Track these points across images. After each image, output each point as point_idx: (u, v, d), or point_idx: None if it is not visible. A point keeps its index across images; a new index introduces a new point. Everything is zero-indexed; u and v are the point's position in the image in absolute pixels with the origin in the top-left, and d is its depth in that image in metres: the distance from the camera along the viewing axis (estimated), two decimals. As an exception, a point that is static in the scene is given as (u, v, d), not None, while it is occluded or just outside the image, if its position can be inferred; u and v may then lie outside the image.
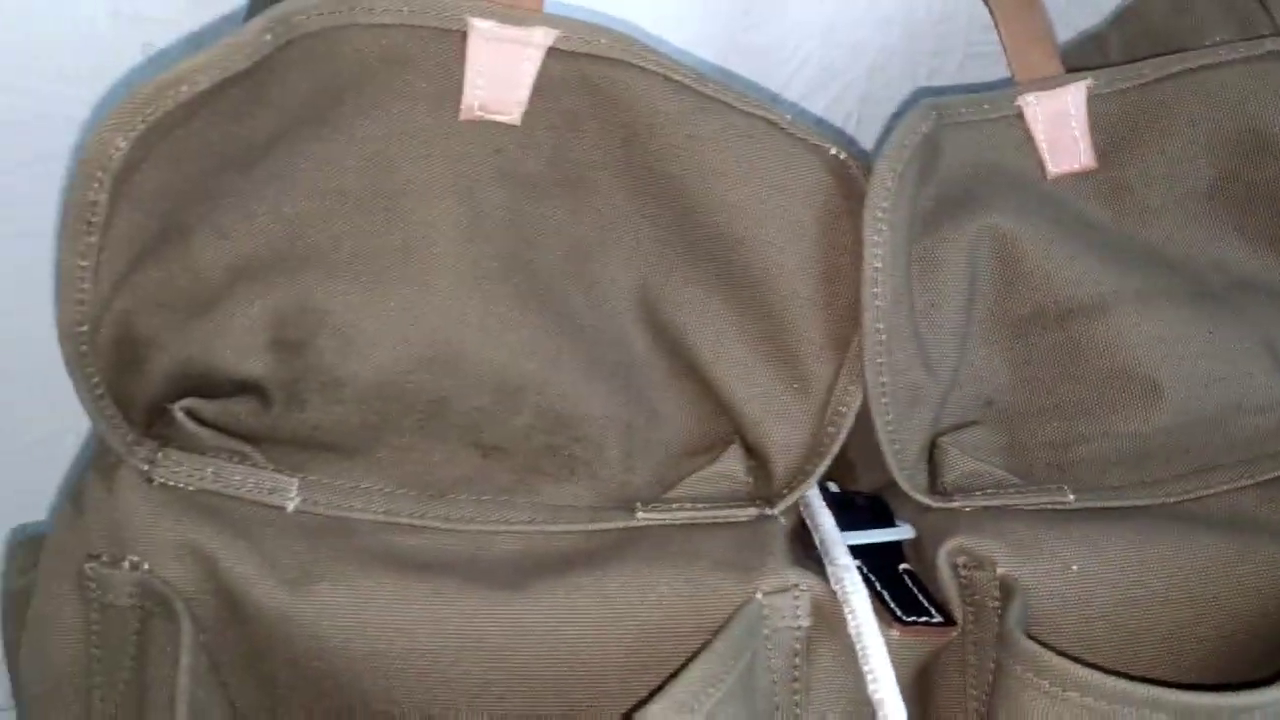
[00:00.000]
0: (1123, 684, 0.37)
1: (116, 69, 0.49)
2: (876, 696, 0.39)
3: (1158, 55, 0.48)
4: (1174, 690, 0.37)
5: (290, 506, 0.40)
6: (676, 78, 0.41)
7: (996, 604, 0.42)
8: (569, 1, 0.52)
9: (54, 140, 0.49)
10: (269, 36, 0.37)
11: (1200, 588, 0.43)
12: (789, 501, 0.44)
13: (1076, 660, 0.38)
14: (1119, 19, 0.54)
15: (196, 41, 0.50)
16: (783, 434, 0.44)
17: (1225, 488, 0.46)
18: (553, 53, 0.40)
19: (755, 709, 0.40)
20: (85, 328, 0.38)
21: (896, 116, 0.62)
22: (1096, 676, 0.37)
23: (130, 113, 0.36)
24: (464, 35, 0.39)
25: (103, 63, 0.48)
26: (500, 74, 0.40)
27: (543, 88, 0.41)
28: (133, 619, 0.39)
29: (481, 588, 0.40)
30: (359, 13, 0.38)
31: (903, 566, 0.44)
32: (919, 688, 0.43)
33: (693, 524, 0.43)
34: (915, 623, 0.41)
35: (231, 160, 0.39)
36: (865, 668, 0.39)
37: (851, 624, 0.40)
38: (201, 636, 0.38)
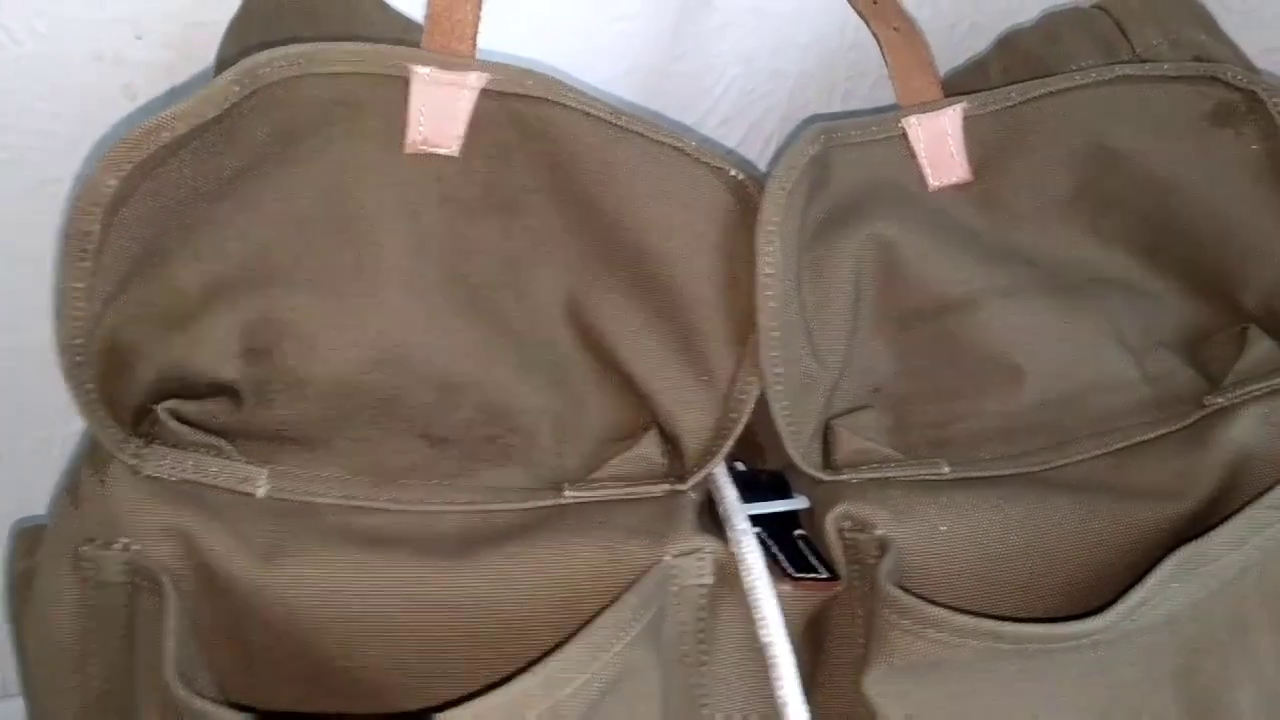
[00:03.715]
0: (968, 619, 0.39)
1: (99, 108, 0.51)
2: (766, 639, 0.42)
3: (1031, 79, 0.51)
4: (1012, 623, 0.40)
5: (260, 493, 0.42)
6: (594, 112, 0.44)
7: (875, 561, 0.44)
8: (505, 50, 0.54)
9: (44, 172, 0.51)
10: (237, 87, 0.40)
11: (1053, 543, 0.46)
12: (698, 479, 0.46)
13: (932, 602, 0.40)
14: (999, 46, 0.57)
15: (172, 85, 0.52)
16: (692, 420, 0.46)
17: (1081, 457, 0.48)
18: (485, 93, 0.43)
19: (663, 655, 0.42)
20: (80, 341, 0.41)
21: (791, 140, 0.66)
22: (945, 614, 0.40)
23: (120, 155, 0.39)
24: (407, 81, 0.43)
25: (86, 102, 0.50)
26: (439, 113, 0.43)
27: (477, 124, 0.44)
28: (123, 594, 0.41)
29: (430, 558, 0.42)
30: (315, 64, 0.41)
31: (797, 532, 0.46)
32: (815, 636, 0.46)
33: (613, 500, 0.45)
34: (804, 578, 0.44)
35: (204, 193, 0.42)
36: (757, 615, 0.42)
37: (746, 579, 0.43)
38: (184, 605, 0.40)
